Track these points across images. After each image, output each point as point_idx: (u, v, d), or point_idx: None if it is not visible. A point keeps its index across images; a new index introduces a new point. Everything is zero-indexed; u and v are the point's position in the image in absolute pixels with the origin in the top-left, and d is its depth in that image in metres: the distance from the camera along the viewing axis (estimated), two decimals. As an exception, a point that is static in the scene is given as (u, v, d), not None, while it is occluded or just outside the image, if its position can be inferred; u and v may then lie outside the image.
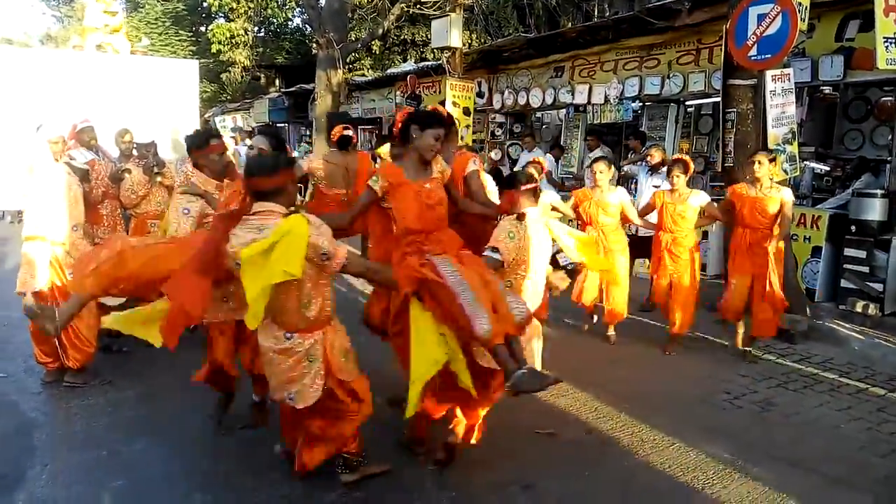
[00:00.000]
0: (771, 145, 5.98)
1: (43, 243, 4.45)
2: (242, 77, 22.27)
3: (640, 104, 9.84)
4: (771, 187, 5.16)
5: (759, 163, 5.12)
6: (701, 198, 5.45)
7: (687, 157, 5.72)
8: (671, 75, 8.75)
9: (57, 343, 4.51)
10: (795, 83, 6.25)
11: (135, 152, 5.79)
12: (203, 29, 24.85)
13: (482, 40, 16.72)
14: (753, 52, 5.77)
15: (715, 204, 5.62)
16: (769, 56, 5.69)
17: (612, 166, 5.99)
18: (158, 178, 5.57)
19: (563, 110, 11.29)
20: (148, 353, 5.31)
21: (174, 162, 6.03)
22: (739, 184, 5.45)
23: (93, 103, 6.51)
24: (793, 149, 6.15)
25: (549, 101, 10.66)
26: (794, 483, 3.43)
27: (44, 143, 4.49)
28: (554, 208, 5.69)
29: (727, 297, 5.37)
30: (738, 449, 3.80)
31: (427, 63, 14.65)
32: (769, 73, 5.86)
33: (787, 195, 5.13)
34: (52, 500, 3.21)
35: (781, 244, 5.20)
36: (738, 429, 4.09)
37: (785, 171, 6.09)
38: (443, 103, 11.19)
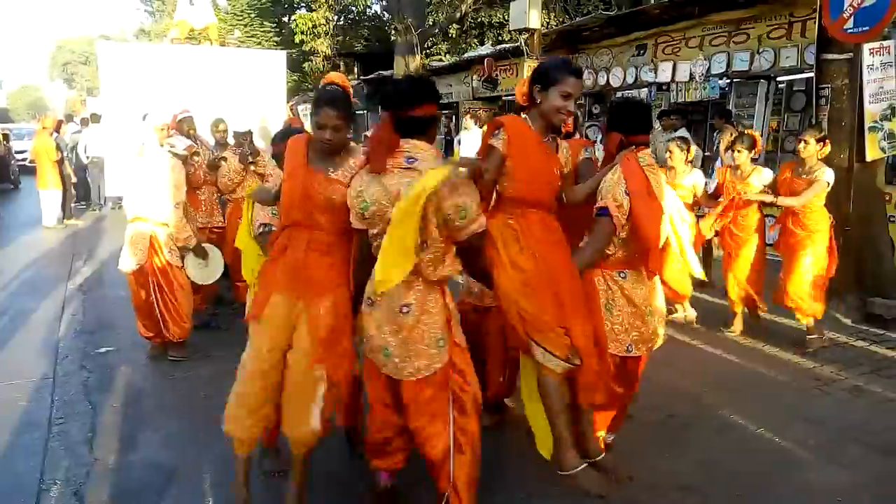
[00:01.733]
0: (867, 122, 5.70)
1: (146, 223, 4.76)
2: (324, 66, 22.77)
3: (728, 81, 9.50)
4: (813, 169, 4.93)
5: (805, 142, 4.93)
6: (764, 177, 5.25)
7: (755, 133, 5.48)
8: (761, 50, 8.41)
9: (159, 317, 4.85)
10: (896, 56, 5.92)
11: (230, 140, 6.10)
12: (286, 20, 25.57)
13: (561, 20, 16.49)
14: (850, 24, 5.50)
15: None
16: (867, 29, 5.41)
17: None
18: (253, 167, 5.87)
19: (645, 90, 11.03)
20: (244, 331, 5.66)
21: (266, 151, 6.31)
22: (790, 163, 5.31)
23: (189, 93, 6.86)
24: (892, 126, 5.84)
25: (630, 80, 10.44)
26: (886, 471, 3.34)
27: (150, 131, 4.80)
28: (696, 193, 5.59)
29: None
30: (827, 435, 3.72)
31: (504, 45, 14.58)
32: (866, 47, 5.58)
33: (824, 176, 4.88)
34: (162, 462, 3.49)
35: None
36: (827, 415, 3.99)
37: (882, 150, 5.81)
38: (521, 86, 11.16)
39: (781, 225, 5.21)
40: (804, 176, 5.01)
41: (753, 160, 5.40)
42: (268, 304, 2.78)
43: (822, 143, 4.96)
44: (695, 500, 3.10)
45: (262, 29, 24.36)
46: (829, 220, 5.03)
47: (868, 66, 5.63)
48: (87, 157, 13.21)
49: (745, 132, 5.46)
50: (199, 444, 3.67)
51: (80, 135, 13.82)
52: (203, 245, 5.08)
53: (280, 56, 8.48)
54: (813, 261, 4.98)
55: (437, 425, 2.60)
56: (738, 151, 5.24)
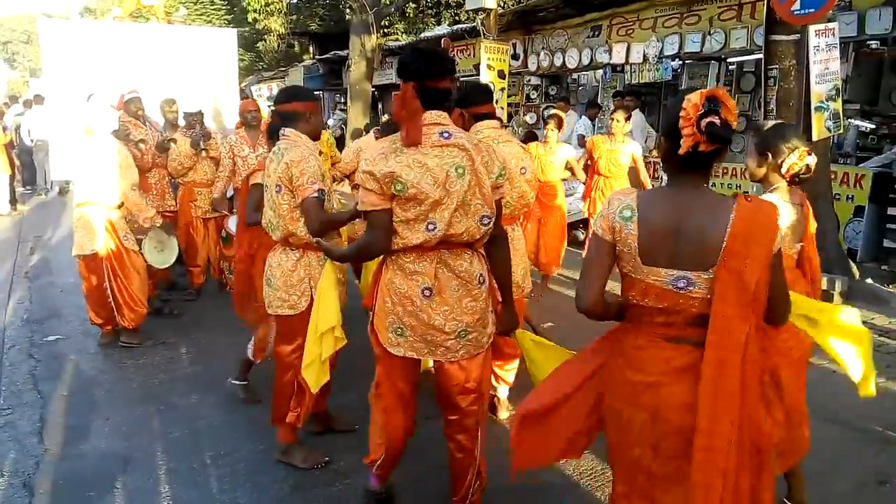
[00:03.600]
0: (814, 102, 5.84)
1: (97, 207, 4.62)
2: (278, 45, 22.33)
3: (680, 62, 9.64)
4: (623, 142, 6.19)
5: (617, 121, 6.13)
6: (567, 151, 6.22)
7: (561, 113, 6.51)
8: (712, 32, 8.53)
9: (112, 303, 4.73)
10: (841, 38, 6.07)
11: (181, 121, 5.95)
12: (237, -3, 24.94)
13: (517, 0, 16.44)
14: (796, 6, 5.60)
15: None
16: (813, 10, 5.53)
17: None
18: (204, 153, 5.74)
19: (600, 71, 11.11)
20: (197, 316, 5.60)
21: (217, 133, 6.17)
22: (597, 136, 6.56)
23: (137, 73, 6.65)
24: (836, 106, 6.00)
25: (585, 61, 10.50)
26: (827, 438, 3.49)
27: (98, 112, 4.62)
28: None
29: None
30: (773, 406, 3.83)
31: (461, 25, 14.51)
32: (812, 28, 5.70)
33: (637, 149, 6.26)
34: (115, 451, 3.43)
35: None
36: (774, 387, 4.11)
37: (828, 129, 5.96)
38: (477, 66, 11.13)
39: (591, 197, 6.35)
40: (615, 147, 6.18)
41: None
42: None
43: (627, 121, 6.30)
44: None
45: (212, 6, 23.73)
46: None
47: (814, 47, 5.76)
48: (32, 140, 12.74)
49: (553, 112, 6.34)
50: (152, 431, 3.63)
51: (23, 117, 13.30)
52: (167, 223, 5.06)
53: (231, 34, 8.26)
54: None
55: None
56: (552, 130, 6.05)
